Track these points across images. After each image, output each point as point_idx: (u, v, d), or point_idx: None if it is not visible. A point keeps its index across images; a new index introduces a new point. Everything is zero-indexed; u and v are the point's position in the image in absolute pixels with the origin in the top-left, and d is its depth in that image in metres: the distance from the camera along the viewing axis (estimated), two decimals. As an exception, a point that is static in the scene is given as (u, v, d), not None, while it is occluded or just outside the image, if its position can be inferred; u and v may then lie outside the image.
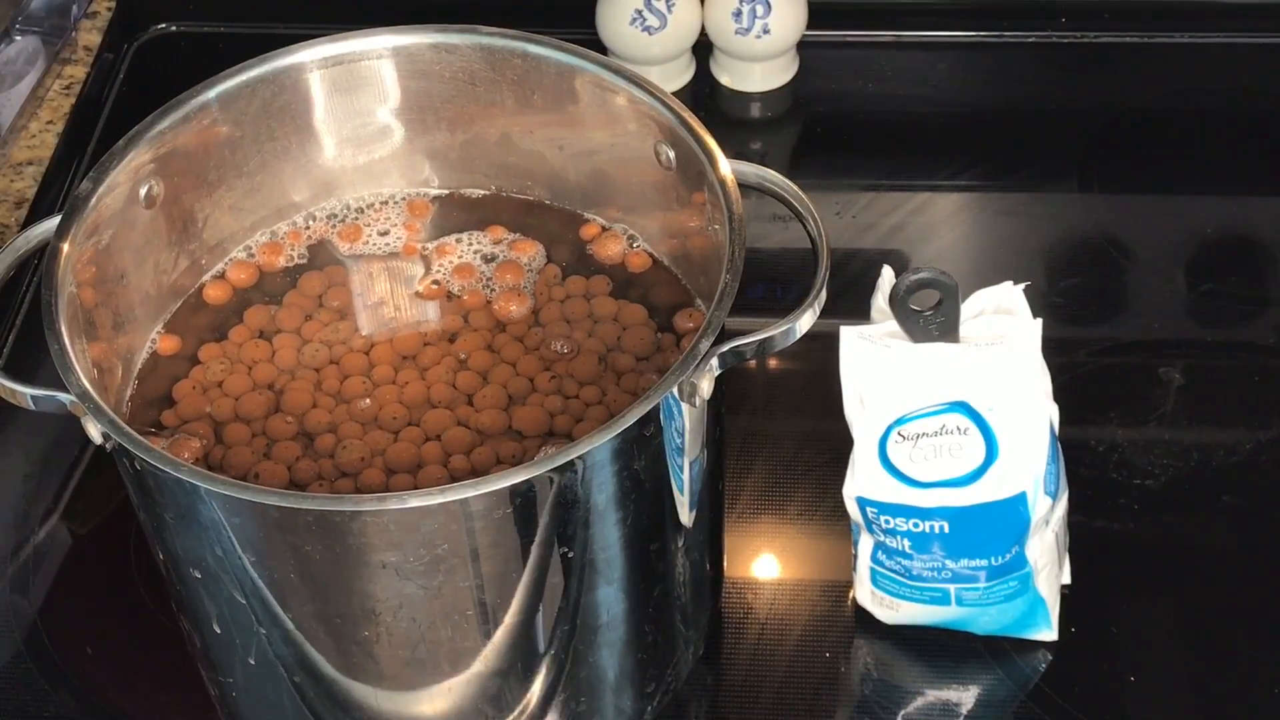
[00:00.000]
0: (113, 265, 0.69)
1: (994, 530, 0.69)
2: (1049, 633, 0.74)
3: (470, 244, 0.76)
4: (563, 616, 0.64)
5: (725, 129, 0.88)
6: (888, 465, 0.69)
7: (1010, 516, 0.69)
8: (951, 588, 0.72)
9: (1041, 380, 0.70)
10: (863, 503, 0.70)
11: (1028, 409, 0.68)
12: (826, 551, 0.79)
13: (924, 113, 1.03)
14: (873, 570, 0.73)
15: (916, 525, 0.69)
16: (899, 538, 0.70)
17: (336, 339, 0.72)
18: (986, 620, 0.73)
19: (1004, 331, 0.69)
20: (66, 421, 0.62)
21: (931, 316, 0.68)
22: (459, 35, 0.73)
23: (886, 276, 0.70)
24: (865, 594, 0.75)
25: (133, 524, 0.79)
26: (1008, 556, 0.70)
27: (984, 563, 0.70)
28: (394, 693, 0.66)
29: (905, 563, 0.71)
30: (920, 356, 0.69)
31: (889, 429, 0.69)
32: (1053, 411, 0.70)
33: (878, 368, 0.69)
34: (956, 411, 0.68)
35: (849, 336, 0.70)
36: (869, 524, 0.71)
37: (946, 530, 0.69)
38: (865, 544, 0.73)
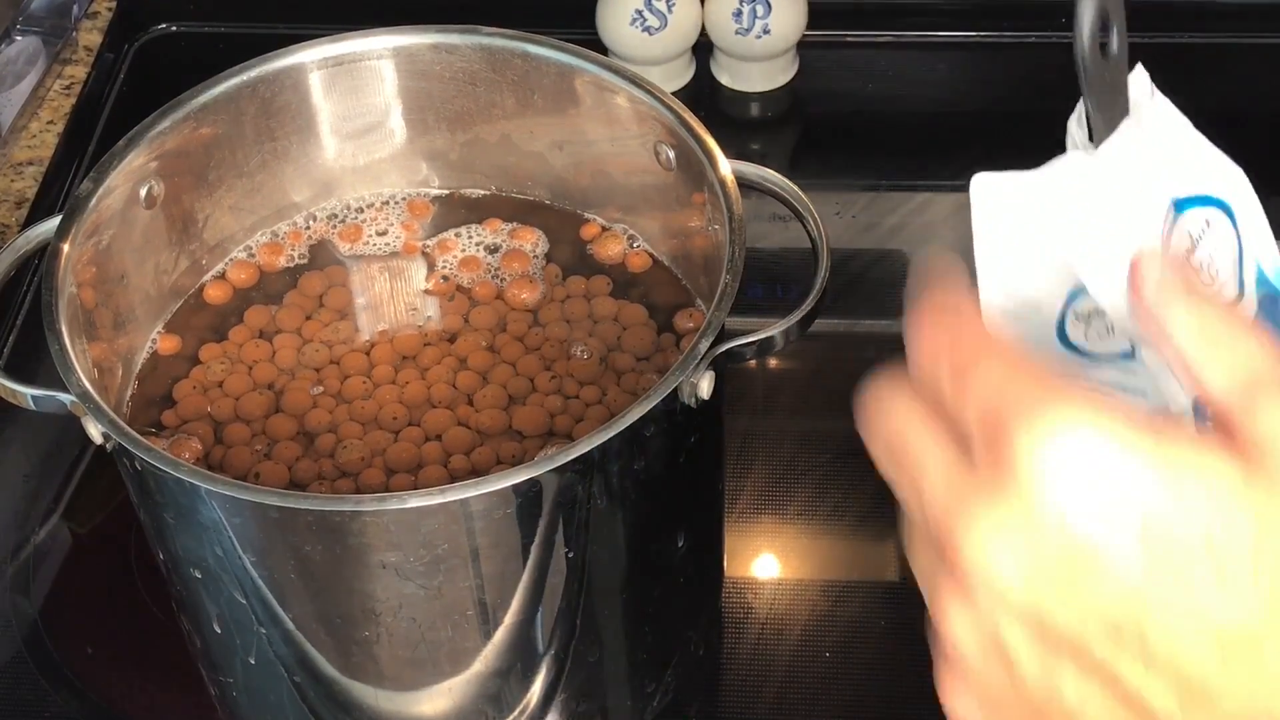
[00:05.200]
0: (113, 265, 0.69)
1: None
2: None
3: (471, 236, 0.76)
4: (563, 617, 0.64)
5: (725, 129, 0.88)
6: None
7: None
8: None
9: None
10: None
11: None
12: (826, 551, 0.79)
13: (924, 113, 1.03)
14: None
15: None
16: None
17: (337, 339, 0.72)
18: None
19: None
20: (67, 421, 0.62)
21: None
22: (459, 35, 0.73)
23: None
24: None
25: (133, 524, 0.79)
26: None
27: None
28: (394, 693, 0.66)
29: None
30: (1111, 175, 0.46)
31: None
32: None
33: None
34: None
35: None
36: None
37: None
38: None
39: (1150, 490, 0.38)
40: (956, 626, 0.42)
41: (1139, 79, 0.50)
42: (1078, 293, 0.46)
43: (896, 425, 0.42)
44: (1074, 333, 0.47)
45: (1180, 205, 0.47)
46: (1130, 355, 0.46)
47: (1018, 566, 0.39)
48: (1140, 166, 0.47)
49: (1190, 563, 0.38)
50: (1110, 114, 0.49)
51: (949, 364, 0.41)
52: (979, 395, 0.40)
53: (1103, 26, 0.47)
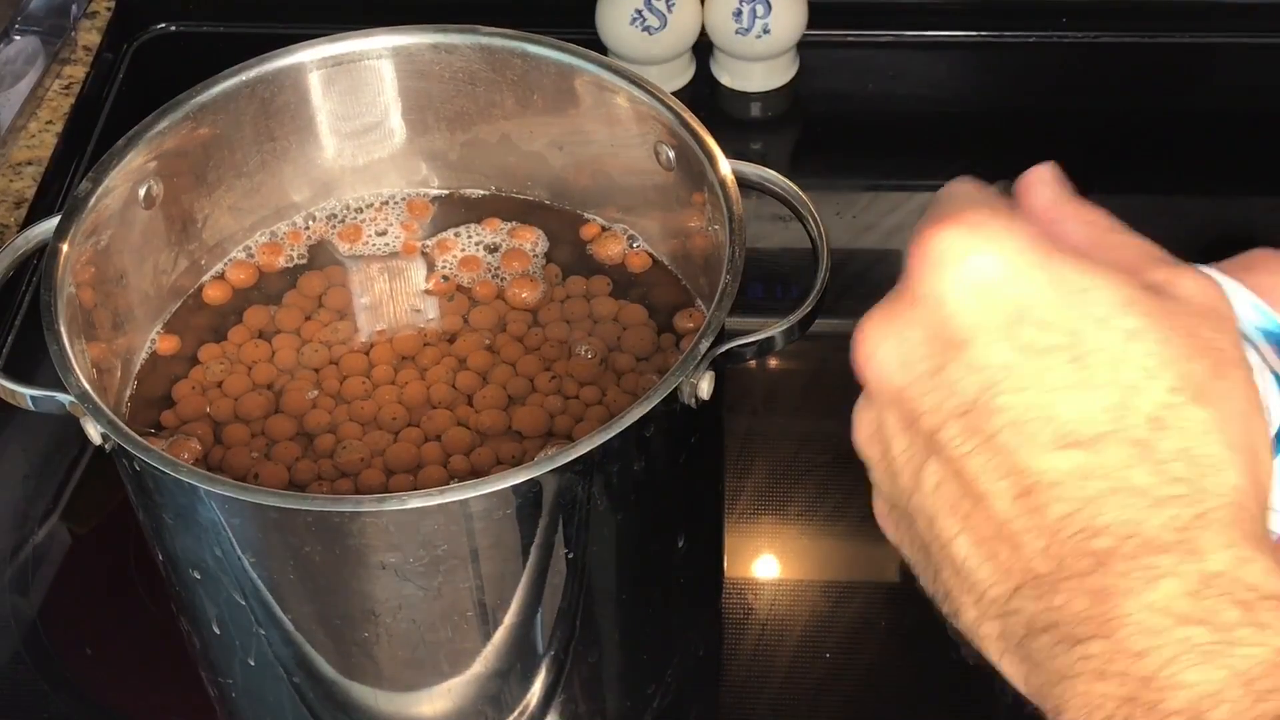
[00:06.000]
0: (112, 265, 0.69)
1: None
2: None
3: (470, 236, 0.76)
4: (563, 617, 0.64)
5: (725, 129, 0.88)
6: None
7: None
8: None
9: None
10: None
11: None
12: (826, 551, 0.79)
13: (924, 113, 1.03)
14: None
15: None
16: None
17: (336, 339, 0.72)
18: None
19: None
20: (66, 422, 0.62)
21: None
22: (459, 35, 0.73)
23: None
24: None
25: (133, 524, 0.78)
26: None
27: None
28: (394, 693, 0.66)
29: None
30: None
31: None
32: None
33: None
34: None
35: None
36: None
37: None
38: None
39: (1030, 289, 0.40)
40: (858, 429, 0.45)
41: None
42: None
43: None
44: None
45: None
46: None
47: (896, 355, 0.42)
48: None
49: (1051, 361, 0.40)
50: None
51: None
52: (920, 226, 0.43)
53: None
